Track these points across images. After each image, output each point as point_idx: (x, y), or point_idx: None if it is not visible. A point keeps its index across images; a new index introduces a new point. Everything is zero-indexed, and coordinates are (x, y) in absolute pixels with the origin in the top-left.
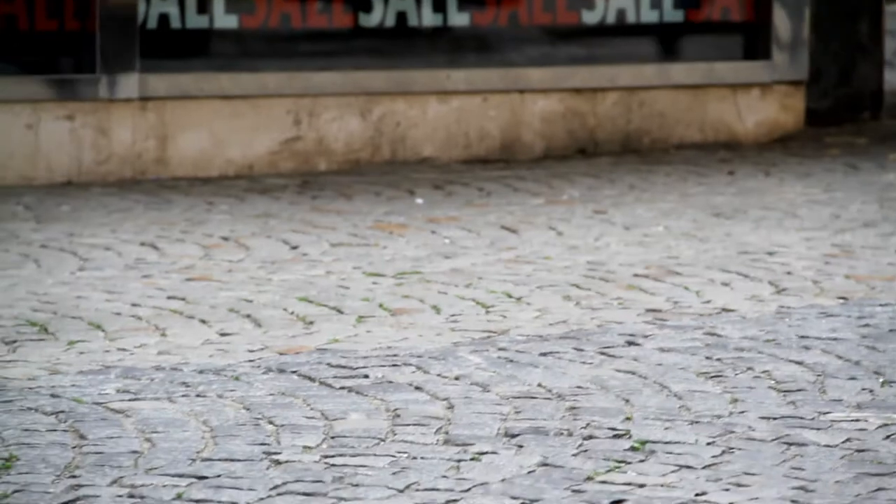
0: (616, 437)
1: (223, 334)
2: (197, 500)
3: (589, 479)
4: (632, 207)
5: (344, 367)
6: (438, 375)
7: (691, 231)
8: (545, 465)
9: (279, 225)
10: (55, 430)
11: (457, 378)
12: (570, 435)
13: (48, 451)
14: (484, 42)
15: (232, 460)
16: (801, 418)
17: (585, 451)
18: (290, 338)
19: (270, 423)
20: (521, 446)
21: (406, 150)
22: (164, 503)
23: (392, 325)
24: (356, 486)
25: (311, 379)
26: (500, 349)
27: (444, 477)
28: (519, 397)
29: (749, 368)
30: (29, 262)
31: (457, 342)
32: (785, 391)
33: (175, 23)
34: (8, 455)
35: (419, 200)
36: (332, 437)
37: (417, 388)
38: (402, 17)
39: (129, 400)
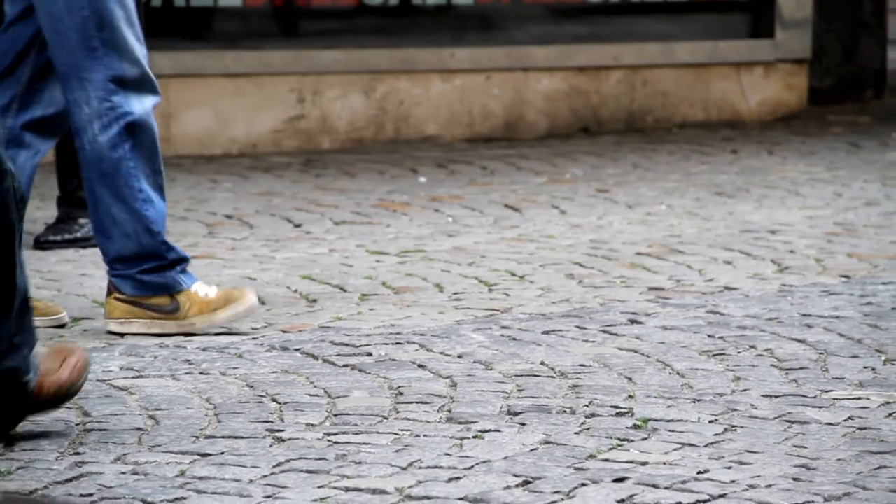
0: (618, 415)
1: None
2: (200, 478)
3: (591, 457)
4: (635, 186)
5: (347, 344)
6: (441, 353)
7: (694, 209)
8: (548, 443)
9: (283, 203)
10: (59, 407)
11: (460, 356)
12: (573, 413)
13: (52, 427)
14: (488, 20)
15: (235, 438)
16: (804, 396)
17: (588, 429)
18: (294, 315)
19: (274, 400)
20: (523, 424)
21: (409, 129)
22: (168, 480)
23: (395, 303)
24: (359, 463)
25: (315, 357)
26: (503, 327)
27: (447, 455)
28: (521, 375)
29: (751, 347)
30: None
31: (460, 320)
32: (787, 369)
33: (179, 0)
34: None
35: (422, 179)
36: (335, 415)
37: (420, 366)
38: None
39: (133, 377)
